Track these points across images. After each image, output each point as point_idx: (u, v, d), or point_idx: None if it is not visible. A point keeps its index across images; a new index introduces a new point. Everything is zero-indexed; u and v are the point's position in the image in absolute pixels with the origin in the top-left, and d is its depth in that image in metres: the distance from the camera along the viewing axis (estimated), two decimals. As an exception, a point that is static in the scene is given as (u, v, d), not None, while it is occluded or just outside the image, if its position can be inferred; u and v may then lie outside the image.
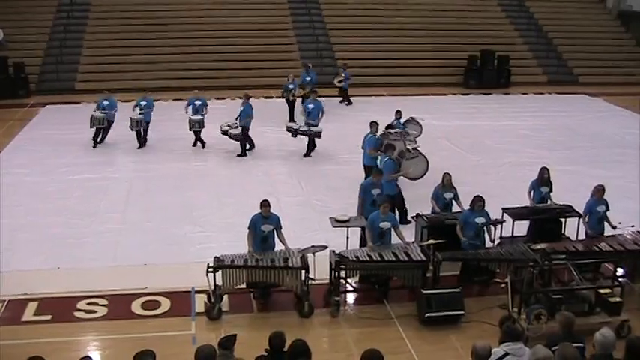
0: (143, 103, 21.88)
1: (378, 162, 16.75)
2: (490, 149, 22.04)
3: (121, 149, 21.55)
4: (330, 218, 14.00)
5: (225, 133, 21.05)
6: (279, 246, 12.69)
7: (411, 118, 21.08)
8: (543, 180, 14.98)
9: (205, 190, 18.25)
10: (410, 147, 17.70)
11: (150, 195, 17.80)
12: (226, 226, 15.37)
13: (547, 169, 14.99)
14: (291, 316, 12.02)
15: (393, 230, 13.01)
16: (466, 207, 13.60)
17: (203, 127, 21.55)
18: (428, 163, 17.59)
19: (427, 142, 22.03)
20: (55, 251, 14.31)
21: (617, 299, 11.60)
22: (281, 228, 12.78)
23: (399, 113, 20.41)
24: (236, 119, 20.93)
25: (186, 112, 21.79)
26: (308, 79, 25.59)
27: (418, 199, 15.59)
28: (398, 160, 16.51)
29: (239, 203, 16.20)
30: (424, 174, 17.53)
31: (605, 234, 13.83)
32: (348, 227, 13.53)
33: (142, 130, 21.63)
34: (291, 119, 23.95)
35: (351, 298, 12.97)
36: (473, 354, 7.68)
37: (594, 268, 13.32)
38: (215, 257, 12.05)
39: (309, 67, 26.69)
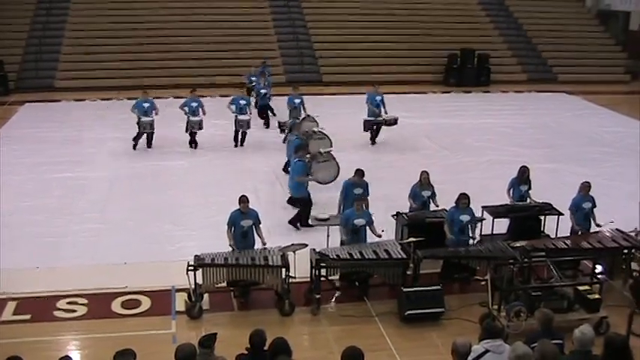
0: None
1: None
2: (470, 147, 22.12)
3: (101, 148, 21.43)
4: (311, 216, 14.02)
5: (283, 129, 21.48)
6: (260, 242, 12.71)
7: (308, 115, 21.18)
8: (523, 178, 15.04)
9: (185, 188, 18.20)
10: (323, 150, 17.33)
11: (130, 193, 17.72)
12: (207, 224, 15.32)
13: (526, 167, 15.06)
14: (271, 315, 12.01)
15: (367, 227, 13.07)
16: (451, 205, 13.62)
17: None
18: (339, 168, 17.12)
19: (408, 140, 22.18)
20: (34, 250, 14.21)
21: (596, 296, 11.67)
22: (260, 223, 12.85)
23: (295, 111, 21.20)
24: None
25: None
26: (264, 71, 25.77)
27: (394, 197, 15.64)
28: (309, 162, 16.17)
29: (219, 202, 16.14)
30: (334, 179, 17.05)
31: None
32: (328, 225, 13.55)
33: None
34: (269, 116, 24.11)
35: (331, 296, 12.96)
36: (453, 351, 7.69)
37: (573, 265, 13.42)
38: (195, 256, 12.02)
39: (265, 62, 27.26)
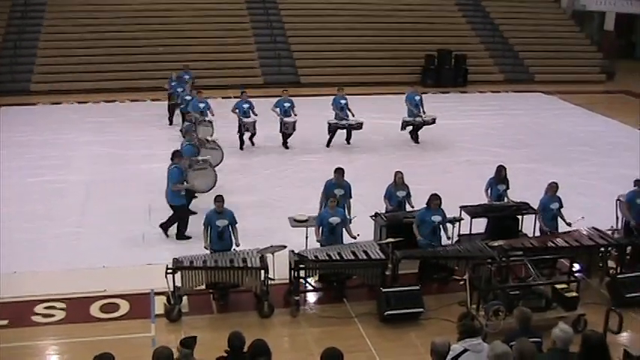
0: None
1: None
2: (448, 147, 22.20)
3: (79, 151, 21.30)
4: (289, 218, 14.03)
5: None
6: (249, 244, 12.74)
7: (203, 119, 20.89)
8: (500, 177, 15.12)
9: (163, 191, 18.11)
10: (200, 158, 16.82)
11: (108, 197, 17.63)
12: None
13: (504, 167, 15.14)
14: (251, 317, 12.01)
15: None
16: (424, 205, 13.67)
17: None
18: (216, 177, 16.74)
19: (386, 141, 22.22)
20: (11, 255, 14.04)
21: (574, 294, 11.77)
22: (236, 223, 12.91)
23: (189, 115, 20.90)
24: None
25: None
26: (187, 77, 25.34)
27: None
28: (186, 169, 15.64)
29: (197, 204, 16.09)
30: (211, 188, 16.49)
31: (560, 230, 14.02)
32: (307, 227, 13.55)
33: None
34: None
35: (311, 297, 13.00)
36: (432, 351, 7.73)
37: (551, 264, 13.50)
38: (174, 259, 12.00)
39: (187, 66, 26.51)
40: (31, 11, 33.34)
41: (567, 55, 35.93)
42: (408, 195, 14.63)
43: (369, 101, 22.39)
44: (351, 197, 14.62)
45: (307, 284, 12.86)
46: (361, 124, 22.01)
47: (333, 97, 22.31)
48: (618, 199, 15.05)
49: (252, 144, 21.94)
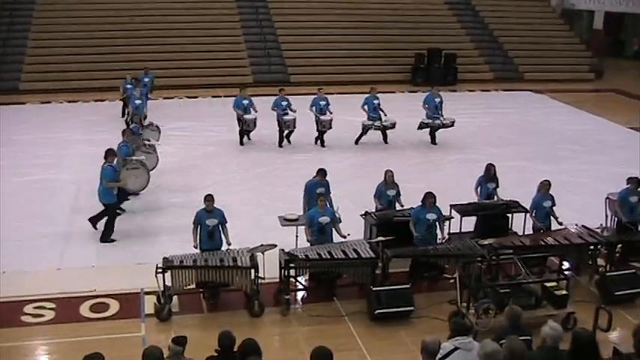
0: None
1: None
2: (438, 146, 22.22)
3: (68, 150, 21.24)
4: (279, 217, 14.03)
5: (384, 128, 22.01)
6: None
7: (150, 123, 20.60)
8: (490, 176, 15.15)
9: (152, 190, 18.10)
10: (135, 158, 16.76)
11: (97, 196, 17.54)
12: (175, 226, 15.25)
13: (493, 165, 15.16)
14: (241, 316, 12.00)
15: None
16: (418, 204, 13.66)
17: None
18: (149, 177, 16.71)
19: (375, 139, 22.21)
20: (0, 255, 14.01)
21: (563, 292, 11.81)
22: (226, 222, 12.90)
23: (137, 116, 20.66)
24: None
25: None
26: (147, 79, 25.23)
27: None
28: (118, 169, 15.72)
29: (187, 203, 16.06)
30: (143, 188, 16.65)
31: (553, 228, 14.07)
32: (297, 226, 13.56)
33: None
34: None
35: (301, 296, 13.01)
36: (422, 349, 7.73)
37: (541, 262, 13.54)
38: (164, 258, 11.97)
39: (147, 68, 26.32)
40: (19, 10, 33.25)
41: (556, 53, 36.01)
42: (398, 194, 14.65)
43: (359, 100, 22.30)
44: (330, 192, 14.61)
45: (298, 283, 12.86)
46: (394, 123, 22.08)
47: (365, 97, 22.35)
48: (607, 198, 15.13)
49: (289, 142, 22.20)
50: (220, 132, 22.47)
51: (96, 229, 15.39)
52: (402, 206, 14.50)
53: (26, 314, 11.96)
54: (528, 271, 12.31)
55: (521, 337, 7.69)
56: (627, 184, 14.52)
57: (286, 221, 13.86)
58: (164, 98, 26.01)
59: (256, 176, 19.34)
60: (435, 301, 12.48)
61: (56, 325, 11.74)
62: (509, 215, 14.78)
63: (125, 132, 16.80)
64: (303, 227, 13.33)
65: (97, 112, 21.44)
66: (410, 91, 31.08)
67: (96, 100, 27.31)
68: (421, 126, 22.33)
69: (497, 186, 15.18)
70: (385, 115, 22.23)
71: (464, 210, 14.66)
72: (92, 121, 22.86)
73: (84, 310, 12.16)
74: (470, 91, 31.43)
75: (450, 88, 31.67)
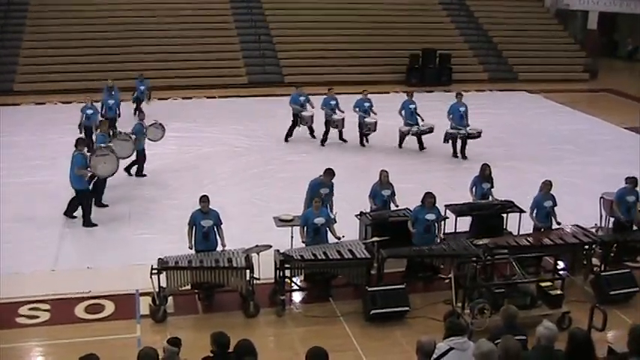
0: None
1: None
2: (432, 146, 22.21)
3: (62, 152, 21.12)
4: (274, 218, 14.02)
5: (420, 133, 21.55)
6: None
7: (155, 121, 20.27)
8: (485, 176, 15.16)
9: (147, 191, 18.10)
10: (103, 145, 17.00)
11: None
12: (170, 227, 15.22)
13: (488, 166, 15.18)
14: (236, 317, 11.99)
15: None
16: (415, 204, 13.66)
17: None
18: (118, 163, 16.86)
19: (370, 140, 22.21)
20: (-6, 256, 14.02)
21: (558, 292, 11.84)
22: (221, 224, 12.90)
23: (142, 114, 20.91)
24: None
25: (361, 114, 21.87)
26: (142, 87, 24.73)
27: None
28: (89, 155, 16.16)
29: (182, 205, 16.04)
30: (113, 173, 16.78)
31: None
32: (292, 226, 13.56)
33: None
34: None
35: (296, 297, 13.00)
36: (418, 349, 7.73)
37: (536, 262, 13.56)
38: (159, 259, 11.95)
39: (142, 75, 25.68)
40: (13, 11, 33.16)
41: (551, 54, 36.06)
42: (393, 194, 14.65)
43: (353, 100, 22.28)
44: (333, 194, 14.64)
45: (293, 284, 12.86)
46: (432, 128, 21.52)
47: (404, 101, 22.02)
48: (602, 197, 15.16)
49: (344, 140, 22.39)
50: (215, 133, 22.45)
51: (74, 217, 15.97)
52: (397, 206, 14.51)
53: (21, 316, 11.93)
54: (523, 271, 12.33)
55: (516, 337, 7.70)
56: (626, 183, 14.54)
57: (281, 222, 13.85)
58: (158, 99, 25.92)
59: (251, 177, 19.33)
60: (430, 301, 12.50)
61: (51, 326, 11.71)
62: (504, 215, 14.80)
63: (79, 142, 16.61)
64: (298, 228, 13.33)
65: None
66: (404, 92, 31.01)
67: (93, 102, 27.18)
68: (446, 137, 21.10)
69: (492, 186, 15.20)
70: (422, 120, 21.74)
71: (459, 210, 14.67)
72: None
73: (79, 311, 12.14)
74: (464, 91, 31.28)
75: (445, 88, 31.67)
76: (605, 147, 22.70)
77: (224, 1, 35.85)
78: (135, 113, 23.72)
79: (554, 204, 14.09)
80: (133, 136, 18.48)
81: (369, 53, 33.73)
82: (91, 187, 16.57)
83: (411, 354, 8.20)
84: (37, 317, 11.93)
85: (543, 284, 12.01)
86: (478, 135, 21.29)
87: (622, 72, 38.78)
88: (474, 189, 15.18)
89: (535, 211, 14.08)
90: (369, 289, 12.01)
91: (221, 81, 30.82)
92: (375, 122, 21.81)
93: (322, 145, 22.06)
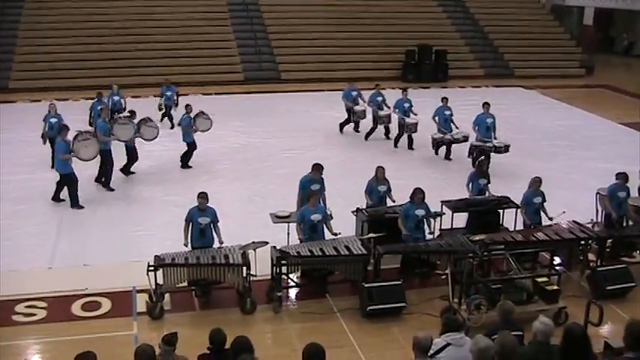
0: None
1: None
2: (428, 142, 22.20)
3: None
4: (271, 214, 14.02)
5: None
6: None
7: (201, 112, 20.47)
8: (481, 172, 15.19)
9: (144, 188, 18.09)
10: (84, 130, 17.93)
11: (89, 195, 17.53)
12: (166, 224, 15.21)
13: (485, 162, 15.21)
14: (233, 313, 11.99)
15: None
16: (407, 199, 13.68)
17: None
18: (99, 147, 17.47)
19: (374, 138, 22.22)
20: (-9, 254, 14.00)
21: (555, 287, 11.85)
22: (218, 221, 12.89)
23: (188, 107, 20.20)
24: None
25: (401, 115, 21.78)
26: (169, 93, 23.97)
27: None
28: (72, 141, 17.04)
29: (179, 202, 16.05)
30: (94, 157, 17.50)
31: (543, 224, 14.09)
32: (288, 223, 13.56)
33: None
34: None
35: (293, 293, 13.01)
36: (415, 345, 7.73)
37: (532, 257, 13.58)
38: (155, 256, 11.95)
39: (168, 80, 24.99)
40: (8, 8, 33.08)
41: (547, 49, 36.07)
42: (389, 189, 14.65)
43: (205, 111, 22.04)
44: (325, 189, 14.60)
45: (289, 280, 12.86)
46: (467, 137, 20.20)
47: (438, 107, 21.13)
48: (598, 193, 15.19)
49: (389, 138, 22.40)
50: (211, 130, 22.35)
51: (62, 200, 16.85)
52: (394, 202, 14.51)
53: (17, 313, 11.93)
54: (520, 267, 12.35)
55: (513, 333, 7.70)
56: (616, 179, 14.58)
57: (278, 218, 13.85)
58: (154, 96, 25.85)
59: (248, 173, 19.32)
60: (427, 297, 12.52)
61: (48, 324, 11.71)
62: (501, 211, 14.81)
63: (62, 129, 17.36)
64: (294, 224, 13.33)
65: (87, 111, 21.32)
66: (400, 88, 31.02)
67: (86, 99, 27.10)
68: (471, 150, 19.72)
69: (489, 182, 15.21)
70: (457, 128, 20.73)
71: (455, 206, 14.68)
72: (82, 119, 22.69)
73: (75, 308, 12.13)
74: (460, 87, 31.43)
75: (441, 84, 31.75)
76: (601, 142, 22.74)
77: (220, -2, 35.85)
78: (162, 119, 23.27)
79: (544, 200, 14.11)
80: (135, 121, 19.06)
81: (365, 49, 33.72)
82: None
83: (408, 350, 8.21)
84: (34, 315, 11.92)
85: (540, 280, 12.02)
86: (505, 149, 19.39)
87: (618, 68, 38.81)
88: (470, 185, 15.20)
89: (525, 208, 14.10)
90: (366, 285, 12.01)
91: (217, 78, 30.81)
92: (416, 123, 21.52)
93: (366, 139, 22.27)
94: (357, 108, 22.50)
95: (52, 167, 18.18)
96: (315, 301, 12.50)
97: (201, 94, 28.13)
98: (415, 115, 21.77)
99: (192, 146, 19.68)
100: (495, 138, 19.57)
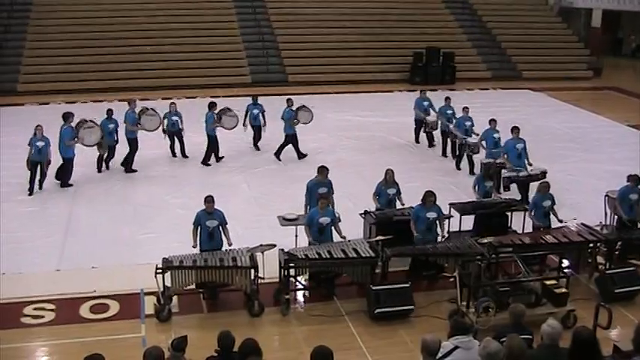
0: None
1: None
2: (436, 145, 22.18)
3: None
4: (278, 217, 14.02)
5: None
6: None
7: (302, 105, 21.05)
8: (487, 175, 15.16)
9: (152, 191, 18.10)
10: (88, 119, 19.01)
11: (96, 197, 17.59)
12: (174, 226, 15.22)
13: (491, 164, 15.18)
14: (241, 316, 11.98)
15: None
16: (414, 202, 13.67)
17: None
18: (103, 133, 18.80)
19: (375, 139, 22.21)
20: (-1, 257, 14.03)
21: (563, 290, 11.81)
22: (226, 223, 12.89)
23: (290, 101, 20.76)
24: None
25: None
26: (255, 111, 21.76)
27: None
28: (77, 128, 18.47)
29: (187, 204, 16.04)
30: (97, 143, 18.83)
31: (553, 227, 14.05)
32: (296, 225, 13.56)
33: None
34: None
35: (301, 296, 12.99)
36: (423, 348, 7.71)
37: (540, 260, 13.55)
38: (163, 258, 11.96)
39: (256, 96, 22.41)
40: (17, 11, 33.20)
41: (555, 52, 36.04)
42: (398, 192, 14.63)
43: (357, 99, 22.25)
44: (333, 192, 14.62)
45: (297, 283, 12.85)
46: (545, 172, 16.82)
47: (506, 140, 17.94)
48: (607, 195, 15.13)
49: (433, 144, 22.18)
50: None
51: (70, 185, 18.11)
52: (403, 204, 14.48)
53: (26, 315, 11.94)
54: (528, 270, 12.32)
55: (522, 336, 7.68)
56: (627, 181, 14.52)
57: (285, 221, 13.85)
58: (162, 99, 25.90)
59: (255, 176, 19.32)
60: (435, 299, 12.49)
61: (56, 326, 11.72)
62: (509, 214, 14.78)
63: (67, 116, 18.55)
64: (303, 227, 13.32)
65: (94, 114, 21.33)
66: (408, 90, 31.07)
67: (94, 101, 27.24)
68: (504, 182, 17.45)
69: (495, 185, 15.19)
70: (531, 165, 17.38)
71: (463, 208, 14.66)
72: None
73: (84, 311, 12.15)
74: (468, 89, 31.39)
75: (448, 87, 31.66)
76: (609, 145, 22.68)
77: (228, 0, 35.84)
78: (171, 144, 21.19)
79: (554, 203, 14.05)
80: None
81: (373, 52, 33.73)
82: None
83: (416, 353, 8.19)
84: (42, 317, 11.94)
85: (548, 282, 11.98)
86: (542, 175, 16.49)
87: (626, 70, 38.73)
88: (476, 187, 15.19)
89: (534, 211, 14.07)
90: (374, 287, 11.99)
91: (225, 80, 30.85)
92: (436, 121, 21.51)
93: (417, 142, 22.18)
94: (429, 119, 21.73)
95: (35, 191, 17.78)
96: (323, 304, 12.48)
97: (209, 97, 28.10)
98: (435, 112, 21.56)
99: (291, 138, 20.53)
100: (529, 164, 17.23)
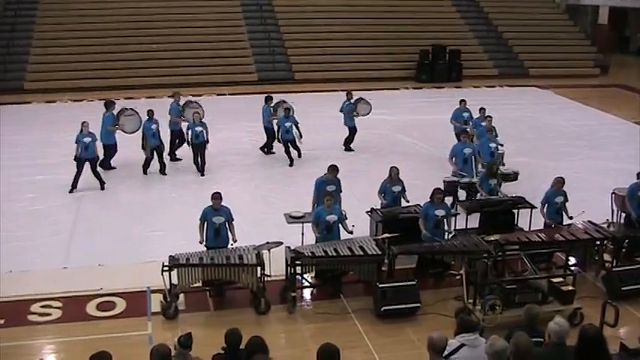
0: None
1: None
2: (442, 142, 22.09)
3: (73, 149, 21.17)
4: (285, 214, 14.03)
5: None
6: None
7: (361, 98, 21.65)
8: (491, 173, 15.14)
9: (157, 189, 18.13)
10: (129, 107, 20.19)
11: (102, 195, 17.61)
12: (180, 224, 15.23)
13: (495, 163, 15.17)
14: (247, 314, 12.00)
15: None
16: (425, 200, 13.65)
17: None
18: (141, 121, 19.41)
19: (381, 137, 22.20)
20: (6, 254, 14.01)
21: (570, 288, 11.78)
22: (232, 220, 12.92)
23: (349, 94, 21.41)
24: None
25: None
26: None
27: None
28: (118, 115, 19.57)
29: (193, 202, 16.06)
30: (138, 129, 19.43)
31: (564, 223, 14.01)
32: (302, 223, 13.57)
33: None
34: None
35: (307, 293, 13.00)
36: (429, 346, 7.70)
37: (547, 258, 13.52)
38: (170, 256, 11.98)
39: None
40: (23, 9, 33.24)
41: (561, 49, 35.95)
42: (403, 190, 14.63)
43: (364, 96, 22.21)
44: (341, 191, 14.64)
45: (304, 280, 12.86)
46: (517, 174, 16.90)
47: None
48: (614, 193, 15.09)
49: None
50: (225, 130, 22.42)
51: (113, 168, 19.31)
52: (408, 202, 14.48)
53: (33, 313, 11.98)
54: (535, 267, 12.30)
55: (533, 339, 7.63)
56: (637, 178, 14.46)
57: (292, 219, 13.86)
58: (168, 97, 25.93)
59: (262, 174, 19.34)
60: (441, 297, 12.49)
61: (63, 324, 11.75)
62: (515, 211, 14.75)
63: (108, 104, 19.69)
64: (309, 224, 13.32)
65: (101, 112, 21.36)
66: (414, 88, 31.06)
67: (101, 99, 27.24)
68: (445, 186, 15.87)
69: (499, 183, 15.18)
70: (570, 218, 14.10)
71: (470, 206, 14.64)
72: (97, 120, 22.80)
73: (90, 308, 12.18)
74: (474, 87, 31.36)
75: (455, 84, 31.70)
76: (616, 142, 22.63)
77: (234, -2, 35.91)
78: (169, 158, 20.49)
79: (566, 199, 14.02)
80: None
81: (379, 49, 33.68)
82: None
83: (422, 350, 8.18)
84: (49, 315, 11.97)
85: (555, 280, 11.97)
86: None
87: (633, 67, 38.62)
88: (481, 186, 15.17)
89: (546, 207, 14.03)
90: (380, 285, 11.99)
91: (231, 78, 30.88)
92: (502, 154, 19.36)
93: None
94: (463, 181, 16.56)
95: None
96: (329, 302, 12.50)
97: (215, 95, 28.15)
98: (501, 145, 18.63)
99: (353, 130, 21.29)
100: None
